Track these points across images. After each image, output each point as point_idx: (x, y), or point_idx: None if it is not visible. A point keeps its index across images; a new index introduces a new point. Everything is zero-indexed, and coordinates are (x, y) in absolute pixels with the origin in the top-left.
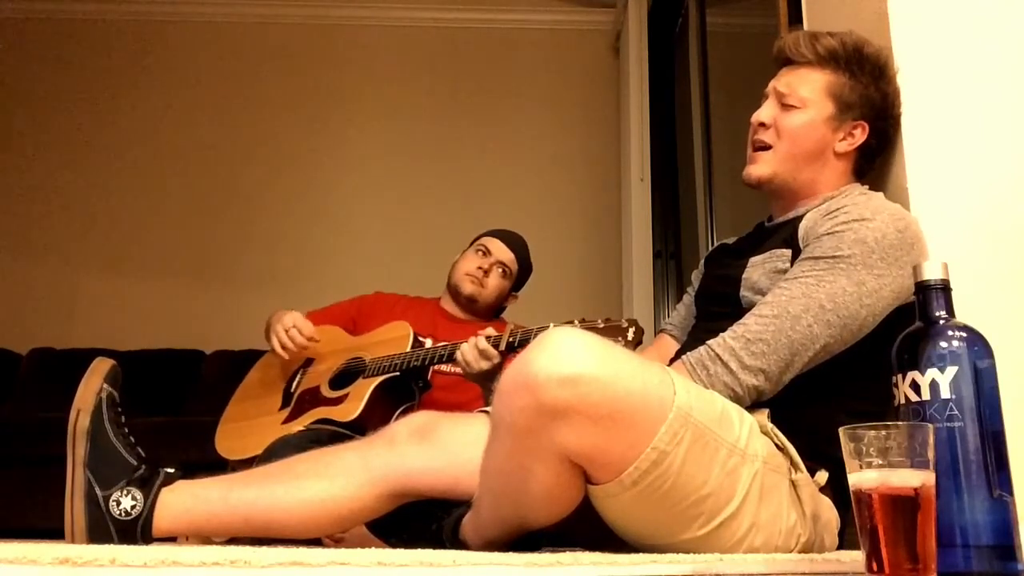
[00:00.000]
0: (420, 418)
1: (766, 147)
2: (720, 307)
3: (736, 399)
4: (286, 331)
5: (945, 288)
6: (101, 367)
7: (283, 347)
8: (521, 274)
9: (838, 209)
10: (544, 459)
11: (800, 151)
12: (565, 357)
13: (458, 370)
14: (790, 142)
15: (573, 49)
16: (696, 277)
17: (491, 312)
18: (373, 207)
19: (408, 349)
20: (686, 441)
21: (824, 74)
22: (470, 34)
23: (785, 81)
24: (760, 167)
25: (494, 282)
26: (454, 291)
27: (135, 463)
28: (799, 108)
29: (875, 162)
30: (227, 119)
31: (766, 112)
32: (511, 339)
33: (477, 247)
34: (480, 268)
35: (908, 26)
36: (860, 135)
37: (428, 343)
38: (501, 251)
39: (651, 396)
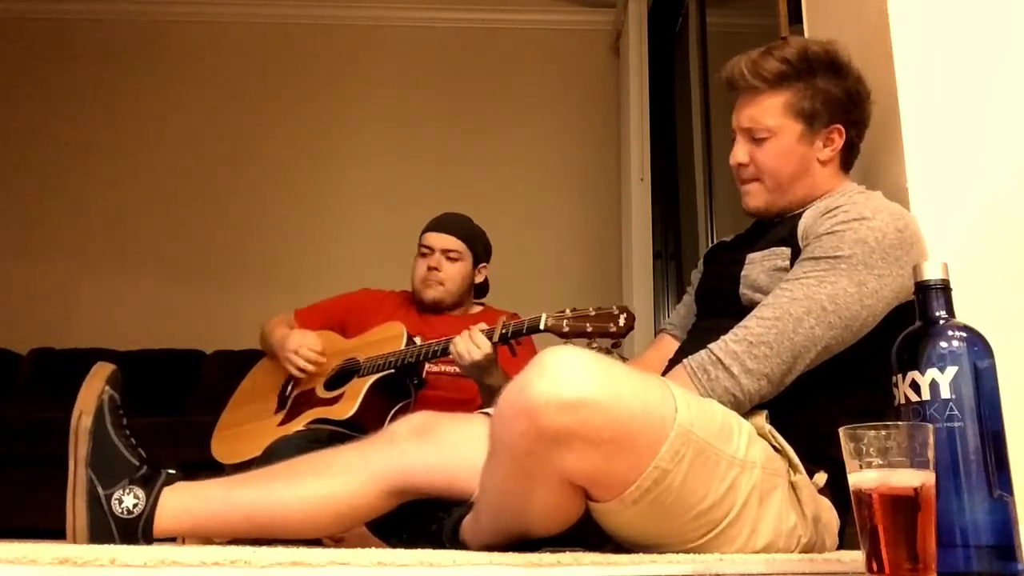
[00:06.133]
0: (420, 417)
1: (753, 179)
2: (720, 305)
3: (736, 403)
4: (296, 352)
5: (945, 288)
6: (102, 371)
7: (303, 371)
8: (474, 248)
9: (837, 208)
10: (544, 482)
11: (785, 177)
12: (565, 381)
13: (453, 369)
14: (772, 173)
15: (573, 49)
16: (695, 276)
17: (468, 296)
18: (373, 207)
19: (402, 347)
20: (687, 458)
21: (780, 95)
22: (470, 34)
23: (747, 115)
24: (754, 198)
25: (447, 272)
26: (420, 302)
27: (137, 463)
28: (769, 138)
29: (859, 148)
30: (227, 120)
31: (740, 152)
32: (504, 331)
33: (420, 249)
34: (429, 268)
35: (908, 26)
36: (839, 138)
37: (418, 341)
38: (439, 241)
39: (652, 416)
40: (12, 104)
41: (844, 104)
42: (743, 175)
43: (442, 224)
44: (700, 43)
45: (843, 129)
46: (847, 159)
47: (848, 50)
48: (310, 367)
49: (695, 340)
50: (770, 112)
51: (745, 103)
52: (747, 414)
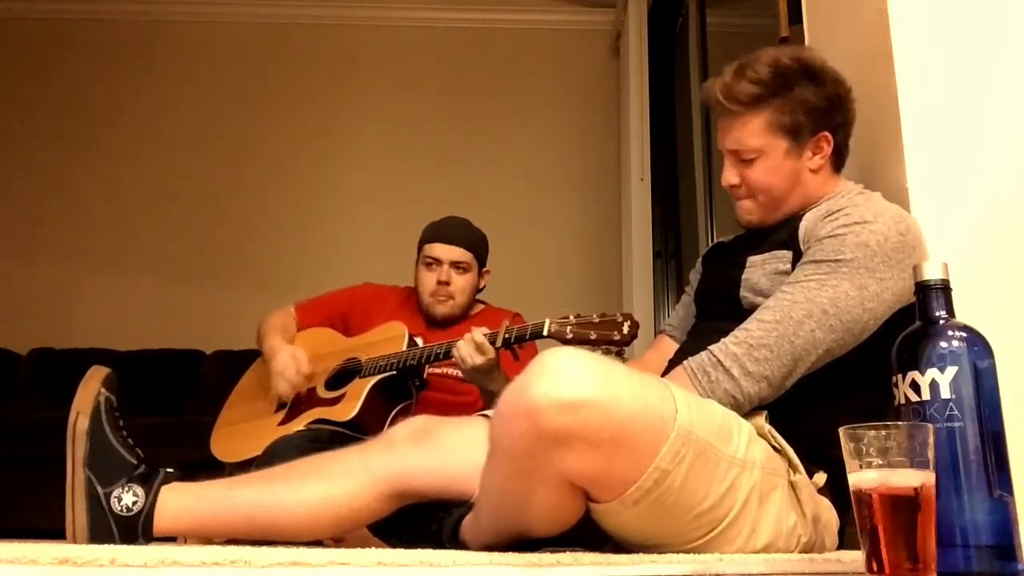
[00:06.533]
0: (419, 421)
1: (747, 197)
2: (720, 307)
3: (736, 405)
4: (282, 374)
5: (945, 288)
6: (98, 374)
7: (289, 390)
8: (479, 255)
9: (839, 211)
10: (544, 483)
11: (778, 192)
12: (565, 382)
13: (455, 371)
14: (764, 192)
15: (573, 49)
16: (694, 276)
17: (473, 301)
18: (373, 207)
19: (404, 348)
20: (688, 458)
21: (760, 115)
22: (470, 34)
23: (731, 139)
24: (749, 213)
25: (457, 286)
26: (429, 315)
27: (135, 462)
28: (757, 158)
29: (848, 148)
30: (227, 120)
31: (730, 174)
32: (507, 335)
33: (425, 259)
34: (439, 283)
35: (908, 26)
36: (826, 146)
37: (420, 342)
38: (447, 252)
39: (652, 416)
40: (12, 104)
41: (825, 111)
42: (736, 194)
43: (447, 234)
44: (700, 43)
45: (829, 136)
46: (837, 162)
47: (820, 53)
48: (290, 393)
49: (695, 342)
50: (754, 133)
51: (727, 126)
52: (747, 414)
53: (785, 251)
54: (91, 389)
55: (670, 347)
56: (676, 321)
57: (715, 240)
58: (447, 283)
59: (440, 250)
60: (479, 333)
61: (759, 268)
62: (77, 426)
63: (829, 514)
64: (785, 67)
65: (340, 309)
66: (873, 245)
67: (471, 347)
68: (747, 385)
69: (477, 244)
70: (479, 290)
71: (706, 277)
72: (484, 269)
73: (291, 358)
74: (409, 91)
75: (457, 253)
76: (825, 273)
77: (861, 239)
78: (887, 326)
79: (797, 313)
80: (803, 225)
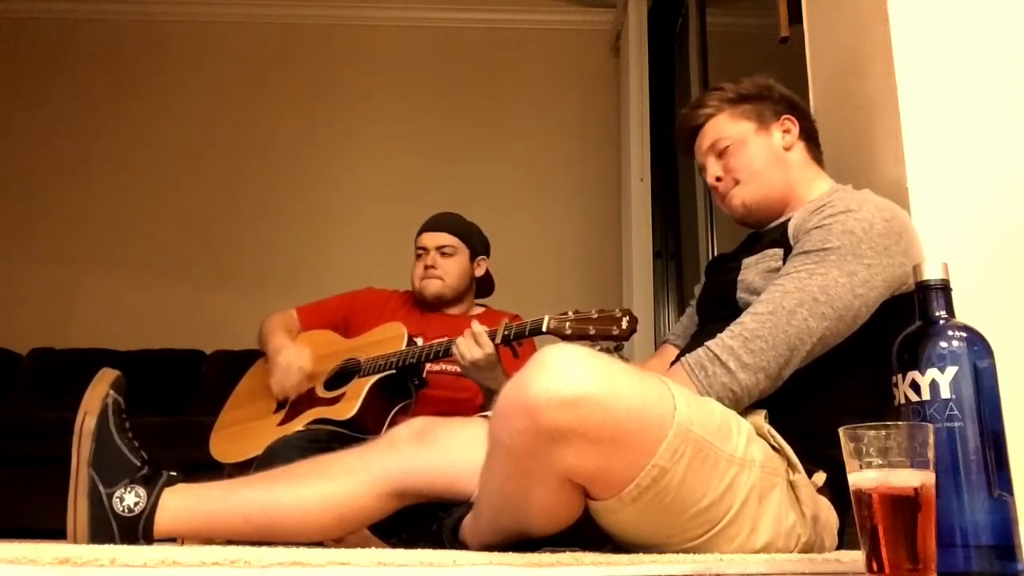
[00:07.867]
0: (420, 422)
1: (734, 184)
2: (719, 311)
3: (735, 399)
4: (287, 371)
5: (945, 288)
6: (108, 376)
7: (288, 390)
8: (469, 241)
9: (825, 205)
10: (544, 480)
11: (761, 168)
12: (564, 378)
13: (454, 368)
14: (747, 168)
15: (573, 49)
16: (698, 289)
17: (470, 292)
18: (373, 207)
19: (403, 348)
20: (686, 456)
21: (727, 112)
22: (470, 34)
23: (706, 141)
24: (737, 197)
25: (445, 268)
26: (422, 299)
27: (139, 464)
28: (731, 144)
29: (819, 144)
30: (227, 119)
31: (714, 169)
32: (506, 332)
33: (416, 251)
34: (425, 267)
35: (908, 25)
36: (793, 126)
37: (419, 342)
38: (432, 239)
39: (651, 414)
40: (13, 104)
41: (785, 103)
42: (723, 187)
43: (433, 223)
44: (700, 43)
45: (793, 118)
46: (813, 151)
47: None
48: (292, 394)
49: (695, 344)
50: (723, 126)
51: (700, 136)
52: (746, 413)
53: (777, 249)
54: (100, 390)
55: (673, 356)
56: (680, 331)
57: (715, 240)
58: (433, 267)
59: (426, 238)
60: (478, 326)
61: (753, 268)
62: (84, 426)
63: (828, 514)
64: (747, 87)
65: (342, 313)
66: (859, 232)
67: (470, 341)
68: (744, 378)
69: (463, 229)
70: (481, 283)
71: (707, 286)
72: (479, 258)
73: (297, 356)
74: (409, 91)
75: (442, 238)
76: (814, 262)
77: (847, 227)
78: (884, 323)
79: (789, 303)
80: (792, 222)
